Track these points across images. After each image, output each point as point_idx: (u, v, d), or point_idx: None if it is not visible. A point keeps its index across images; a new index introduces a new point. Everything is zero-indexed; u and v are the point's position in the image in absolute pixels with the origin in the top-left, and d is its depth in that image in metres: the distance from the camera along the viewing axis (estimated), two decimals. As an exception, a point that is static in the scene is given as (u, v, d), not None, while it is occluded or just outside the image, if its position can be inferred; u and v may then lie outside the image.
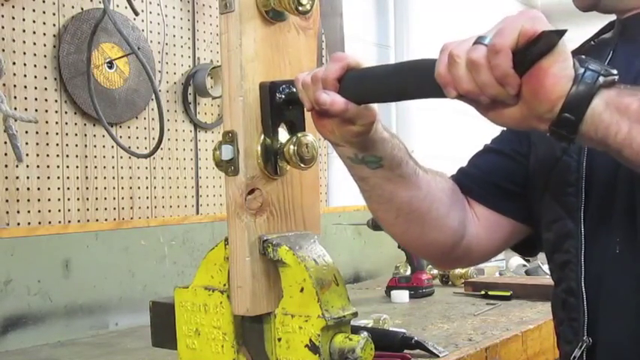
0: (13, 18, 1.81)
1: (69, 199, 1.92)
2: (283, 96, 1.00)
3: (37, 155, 1.86)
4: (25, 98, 1.84)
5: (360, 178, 1.09)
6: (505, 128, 1.28)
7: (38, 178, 1.86)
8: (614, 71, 0.82)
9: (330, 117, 0.98)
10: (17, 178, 1.81)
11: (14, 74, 1.81)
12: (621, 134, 0.82)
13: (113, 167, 2.03)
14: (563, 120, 0.81)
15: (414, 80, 0.90)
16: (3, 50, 1.78)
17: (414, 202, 1.12)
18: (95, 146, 1.99)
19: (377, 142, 1.05)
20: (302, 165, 1.01)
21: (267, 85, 0.99)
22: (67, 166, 1.92)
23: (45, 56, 1.89)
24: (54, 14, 1.90)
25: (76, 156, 1.95)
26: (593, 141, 0.84)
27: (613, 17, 1.20)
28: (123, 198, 2.06)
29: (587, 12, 1.17)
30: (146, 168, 2.12)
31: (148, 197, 2.12)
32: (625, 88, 0.83)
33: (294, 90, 1.00)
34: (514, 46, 0.78)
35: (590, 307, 1.09)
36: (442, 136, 3.34)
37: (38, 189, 1.86)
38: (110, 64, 2.02)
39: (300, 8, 1.00)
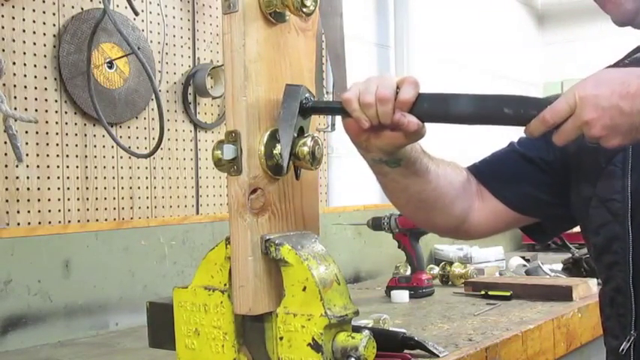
0: (13, 18, 1.81)
1: (69, 199, 1.92)
2: (310, 105, 1.04)
3: (37, 155, 1.86)
4: (25, 98, 1.84)
5: (380, 173, 1.21)
6: None
7: (38, 178, 1.86)
8: None
9: (378, 134, 1.08)
10: (17, 178, 1.81)
11: (14, 74, 1.81)
12: None
13: (113, 167, 2.03)
14: None
15: (518, 111, 1.01)
16: (3, 50, 1.78)
17: (423, 193, 1.25)
18: (95, 146, 1.99)
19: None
20: (313, 166, 1.03)
21: (300, 89, 1.02)
22: (67, 166, 1.92)
23: (45, 56, 1.89)
24: (54, 14, 1.90)
25: (76, 156, 1.95)
26: None
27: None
28: (123, 198, 2.05)
29: (623, 27, 1.25)
30: (146, 168, 2.12)
31: (148, 197, 2.12)
32: None
33: (314, 100, 1.05)
34: None
35: (638, 304, 1.20)
36: (443, 137, 3.34)
37: (38, 189, 1.86)
38: (110, 64, 2.02)
39: (305, 10, 1.01)
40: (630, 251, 1.20)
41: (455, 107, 1.04)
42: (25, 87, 1.84)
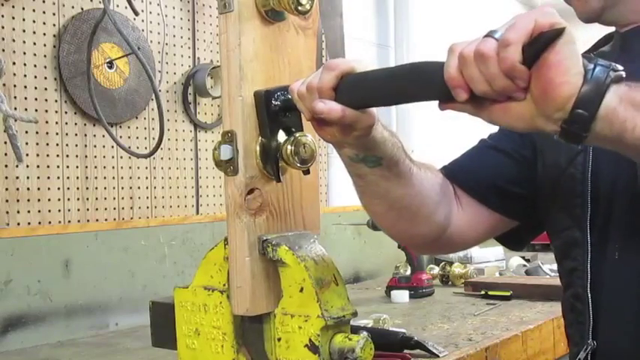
0: (13, 18, 1.82)
1: (69, 199, 1.92)
2: (279, 103, 0.99)
3: (37, 155, 1.86)
4: (25, 98, 1.84)
5: (358, 175, 1.10)
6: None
7: (38, 178, 1.86)
8: (621, 68, 0.80)
9: (329, 125, 0.97)
10: (17, 178, 1.81)
11: (14, 74, 1.81)
12: (639, 129, 0.80)
13: (113, 167, 2.03)
14: (576, 116, 0.78)
15: (417, 83, 0.87)
16: (3, 50, 1.78)
17: (406, 199, 1.14)
18: (95, 146, 1.99)
19: (378, 142, 1.04)
20: (300, 165, 1.01)
21: (262, 93, 0.99)
22: (67, 166, 1.92)
23: (45, 56, 1.89)
24: (54, 14, 1.90)
25: (76, 156, 1.95)
26: (607, 139, 0.81)
27: (612, 29, 1.21)
28: (123, 198, 2.06)
29: (589, 24, 1.19)
30: (146, 168, 2.12)
31: (148, 197, 2.12)
32: (635, 85, 0.81)
33: (290, 97, 0.99)
34: (526, 40, 0.76)
35: (595, 312, 1.14)
36: (442, 136, 3.34)
37: (38, 189, 1.86)
38: (110, 64, 2.02)
39: (300, 8, 1.00)
40: (588, 258, 1.14)
41: (372, 87, 0.93)
42: (25, 87, 1.84)
